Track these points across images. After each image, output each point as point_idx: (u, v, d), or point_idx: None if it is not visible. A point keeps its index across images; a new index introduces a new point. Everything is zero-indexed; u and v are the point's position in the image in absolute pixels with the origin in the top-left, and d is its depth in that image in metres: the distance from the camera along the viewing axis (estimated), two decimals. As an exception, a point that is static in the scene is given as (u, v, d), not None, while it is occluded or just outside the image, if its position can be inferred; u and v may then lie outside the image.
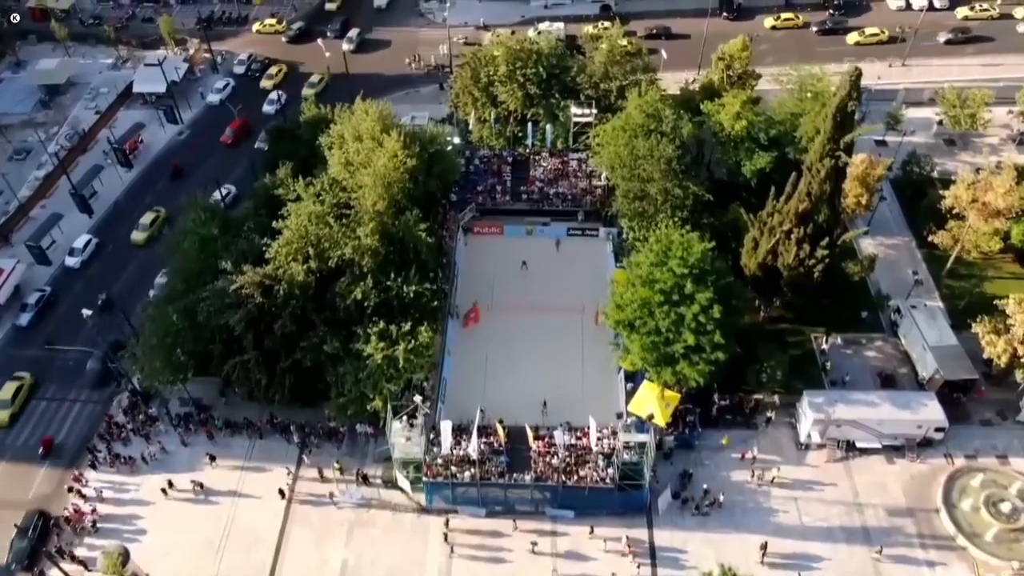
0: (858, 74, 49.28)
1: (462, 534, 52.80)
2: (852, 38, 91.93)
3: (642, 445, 50.44)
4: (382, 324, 53.34)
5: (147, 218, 74.41)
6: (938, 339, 58.20)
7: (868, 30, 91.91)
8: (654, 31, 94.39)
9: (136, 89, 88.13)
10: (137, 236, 73.41)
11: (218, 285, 54.05)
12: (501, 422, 53.70)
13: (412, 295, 55.08)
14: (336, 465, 56.08)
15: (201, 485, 54.84)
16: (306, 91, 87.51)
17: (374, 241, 54.93)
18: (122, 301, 65.90)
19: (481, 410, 56.01)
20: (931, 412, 54.20)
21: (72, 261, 71.34)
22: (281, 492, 55.04)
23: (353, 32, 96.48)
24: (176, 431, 58.62)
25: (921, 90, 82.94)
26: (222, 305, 53.75)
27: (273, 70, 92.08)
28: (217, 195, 71.77)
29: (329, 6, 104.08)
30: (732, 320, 52.41)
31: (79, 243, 72.15)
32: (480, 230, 72.11)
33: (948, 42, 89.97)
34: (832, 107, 48.85)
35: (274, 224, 56.37)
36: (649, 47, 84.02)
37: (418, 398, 52.07)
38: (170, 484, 55.39)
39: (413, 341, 53.08)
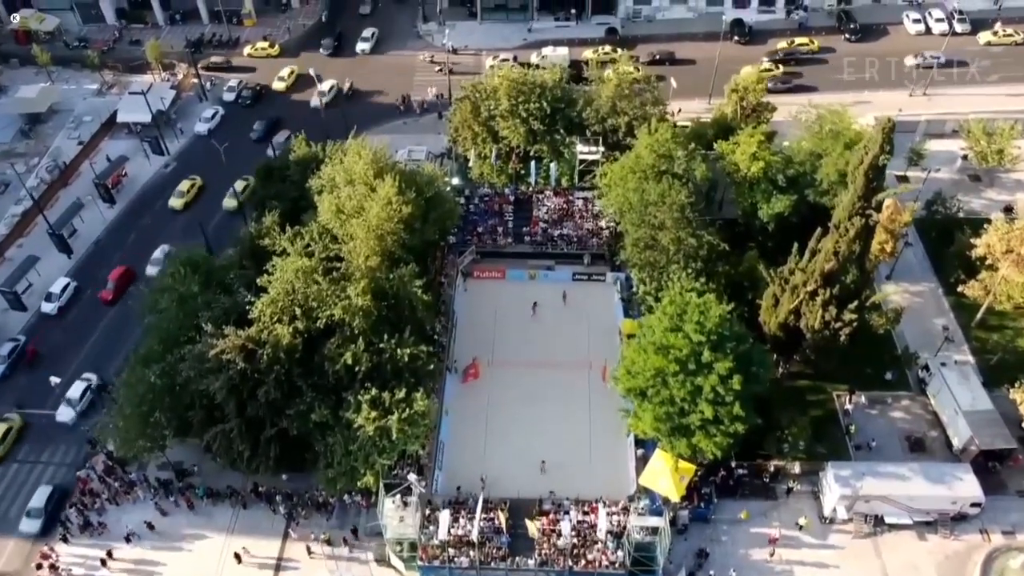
0: (891, 127, 45.34)
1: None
2: (745, 71, 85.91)
3: (655, 530, 46.48)
4: (374, 391, 49.39)
5: None
6: (971, 403, 54.24)
7: (764, 65, 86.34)
8: (657, 57, 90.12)
9: (120, 118, 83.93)
10: None
11: (197, 349, 50.09)
12: (504, 506, 49.77)
13: (407, 358, 51.11)
14: (323, 537, 52.19)
15: None
16: (227, 202, 73.18)
17: (366, 301, 50.94)
18: (97, 358, 62.47)
19: (482, 479, 52.52)
20: (967, 487, 50.23)
21: (48, 307, 67.27)
22: (237, 556, 51.48)
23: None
24: (154, 499, 54.72)
25: (943, 121, 78.89)
26: (202, 370, 49.84)
27: (184, 185, 76.20)
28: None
29: (278, 85, 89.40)
30: (752, 388, 48.44)
31: (56, 287, 68.05)
32: (480, 274, 68.22)
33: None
34: (865, 164, 44.80)
35: (259, 281, 52.39)
36: (657, 74, 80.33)
37: (412, 477, 48.12)
38: (109, 555, 51.80)
39: (408, 409, 49.09)
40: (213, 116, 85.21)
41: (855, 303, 49.55)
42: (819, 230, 50.93)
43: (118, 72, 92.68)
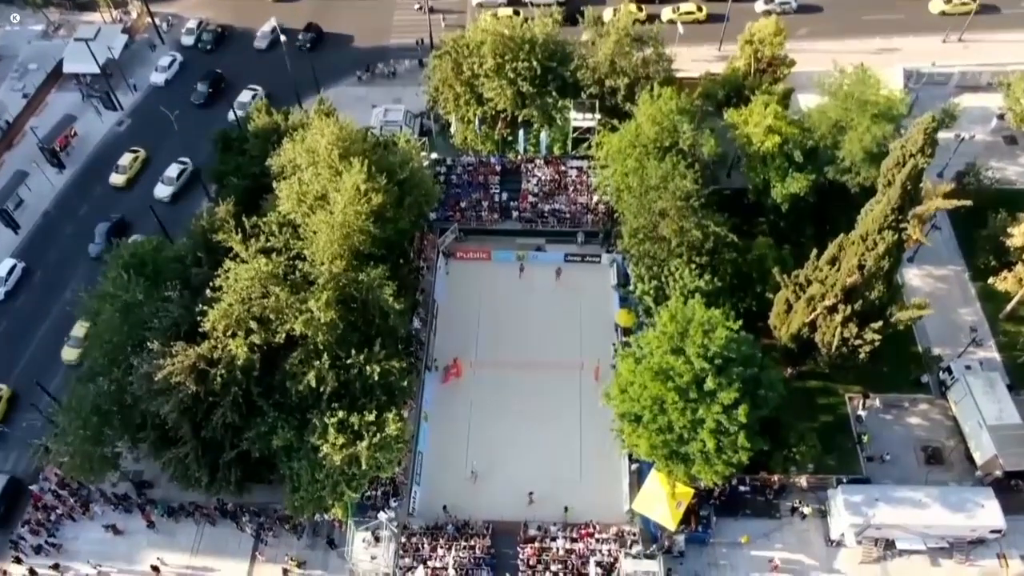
0: (934, 127, 38.62)
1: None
2: (666, 15, 77.10)
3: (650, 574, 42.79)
4: (341, 413, 44.55)
5: None
6: (998, 416, 49.64)
7: (683, 7, 77.52)
8: None
9: (67, 69, 75.69)
10: None
11: (142, 369, 44.91)
12: (487, 531, 46.03)
13: (377, 375, 46.06)
14: (291, 560, 48.64)
15: None
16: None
17: (329, 314, 45.36)
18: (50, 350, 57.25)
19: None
20: (988, 515, 46.22)
21: (-7, 293, 61.84)
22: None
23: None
24: (114, 510, 50.96)
25: (979, 73, 70.96)
26: (149, 391, 44.89)
27: None
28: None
29: (116, 180, 67.33)
30: (759, 413, 43.63)
31: (2, 270, 62.33)
32: (464, 255, 62.38)
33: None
34: (903, 174, 38.26)
35: (208, 292, 46.57)
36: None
37: (383, 515, 43.96)
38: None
39: (379, 433, 44.44)
40: (170, 65, 76.85)
41: (879, 323, 43.97)
42: (841, 235, 44.77)
43: (65, 10, 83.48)
